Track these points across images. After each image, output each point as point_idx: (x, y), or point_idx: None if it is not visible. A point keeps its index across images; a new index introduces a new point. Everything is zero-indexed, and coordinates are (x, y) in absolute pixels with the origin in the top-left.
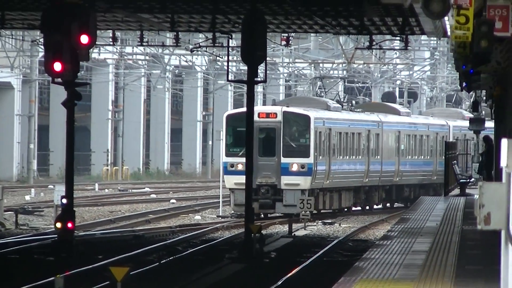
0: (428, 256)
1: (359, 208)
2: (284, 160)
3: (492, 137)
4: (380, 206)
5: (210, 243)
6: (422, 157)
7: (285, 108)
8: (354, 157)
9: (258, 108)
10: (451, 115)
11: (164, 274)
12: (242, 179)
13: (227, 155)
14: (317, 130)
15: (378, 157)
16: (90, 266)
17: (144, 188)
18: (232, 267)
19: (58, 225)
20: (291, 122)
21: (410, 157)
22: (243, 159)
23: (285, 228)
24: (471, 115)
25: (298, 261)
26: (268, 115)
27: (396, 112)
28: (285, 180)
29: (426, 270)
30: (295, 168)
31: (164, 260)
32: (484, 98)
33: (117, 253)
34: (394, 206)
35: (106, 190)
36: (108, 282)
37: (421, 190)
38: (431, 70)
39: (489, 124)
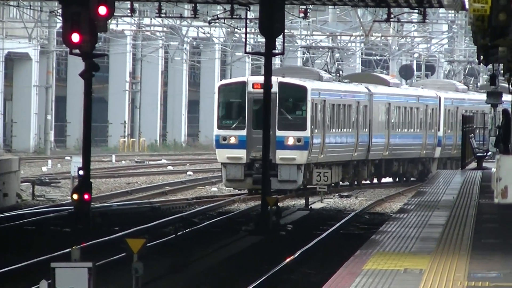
0: (444, 229)
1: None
2: (279, 133)
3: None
4: (367, 182)
5: (227, 215)
6: (412, 130)
7: (280, 79)
8: (345, 130)
9: (252, 78)
10: (443, 86)
11: (180, 246)
12: (235, 153)
13: (220, 127)
14: (313, 102)
15: (367, 130)
16: (107, 238)
17: (161, 160)
18: (248, 239)
19: (75, 196)
20: (287, 93)
21: (400, 130)
22: (236, 132)
23: (302, 201)
24: (464, 87)
25: (315, 234)
26: (262, 85)
27: (386, 83)
28: (280, 154)
29: (442, 243)
30: (291, 141)
31: (181, 232)
32: (502, 71)
33: (134, 225)
34: (411, 179)
35: (123, 162)
36: (124, 254)
37: (409, 164)
38: (449, 43)
39: (507, 97)
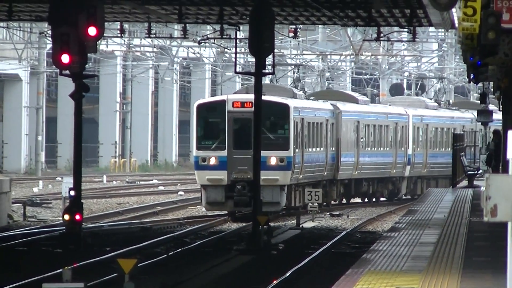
0: (435, 248)
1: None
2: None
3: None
4: (336, 202)
5: (218, 235)
6: (382, 148)
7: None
8: (318, 149)
9: (232, 96)
10: (413, 103)
11: (172, 266)
12: (215, 174)
13: (199, 148)
14: (295, 120)
15: (334, 149)
16: (98, 258)
17: (152, 180)
18: (240, 258)
19: (66, 217)
20: (268, 111)
21: (369, 148)
22: (216, 153)
23: (293, 220)
24: (435, 104)
25: (306, 253)
26: (243, 104)
27: (354, 100)
28: (263, 175)
29: (433, 262)
30: (273, 162)
31: (172, 252)
32: (492, 89)
33: (125, 245)
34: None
35: (114, 182)
36: (116, 274)
37: (379, 184)
38: (439, 62)
39: (497, 116)
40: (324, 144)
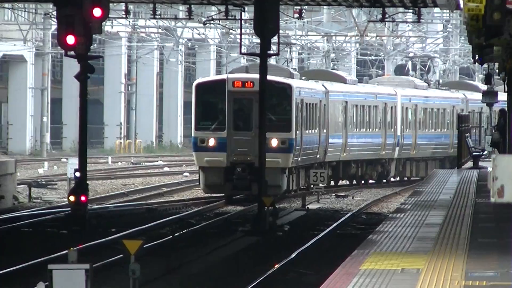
0: (441, 229)
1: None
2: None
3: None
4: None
5: (223, 216)
6: (371, 130)
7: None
8: (313, 130)
9: (232, 75)
10: (401, 83)
11: (177, 247)
12: (214, 156)
13: (197, 129)
14: (296, 101)
15: (325, 130)
16: (103, 239)
17: (157, 161)
18: (245, 240)
19: (71, 198)
20: (270, 92)
21: (358, 130)
22: (216, 134)
23: (298, 201)
24: (424, 84)
25: (311, 234)
26: (244, 83)
27: (342, 80)
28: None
29: (439, 243)
30: (274, 143)
31: (177, 233)
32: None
33: (130, 226)
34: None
35: (119, 163)
36: (121, 255)
37: (368, 166)
38: (444, 43)
39: (502, 97)
40: (318, 126)
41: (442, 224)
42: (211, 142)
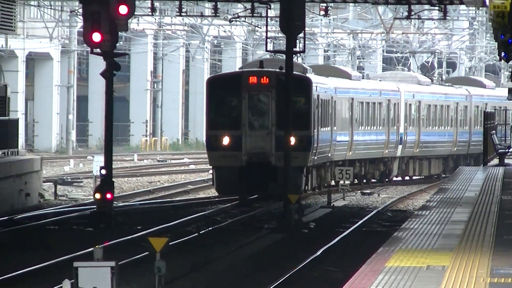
0: (467, 226)
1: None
2: (278, 132)
3: None
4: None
5: (249, 213)
6: (375, 127)
7: (279, 71)
8: (326, 128)
9: (247, 71)
10: (404, 79)
11: (203, 245)
12: (229, 155)
13: (211, 127)
14: (314, 97)
15: (335, 127)
16: (129, 237)
17: (183, 158)
18: (271, 237)
19: (97, 195)
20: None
21: (363, 127)
22: (230, 132)
23: (324, 198)
24: (428, 79)
25: (337, 231)
26: (259, 79)
27: (347, 76)
28: (280, 156)
29: (465, 240)
30: (292, 141)
31: (203, 231)
32: None
33: (156, 223)
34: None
35: (145, 161)
36: (147, 253)
37: (370, 165)
38: (470, 40)
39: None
40: (330, 123)
41: (467, 221)
42: (226, 140)
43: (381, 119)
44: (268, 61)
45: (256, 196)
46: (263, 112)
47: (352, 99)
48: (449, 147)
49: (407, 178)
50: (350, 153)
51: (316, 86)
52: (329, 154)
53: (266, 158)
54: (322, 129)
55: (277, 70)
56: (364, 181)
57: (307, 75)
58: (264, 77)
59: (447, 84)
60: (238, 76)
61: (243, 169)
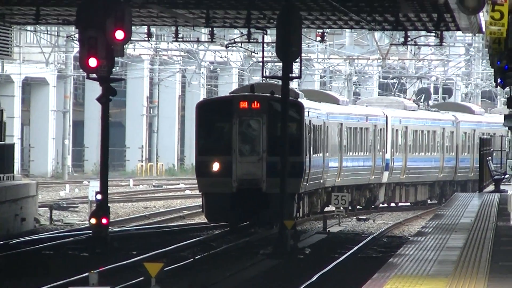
0: (462, 252)
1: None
2: (269, 158)
3: None
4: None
5: (245, 239)
6: (362, 153)
7: (270, 96)
8: (318, 154)
9: (238, 95)
10: (391, 104)
11: (198, 270)
12: (219, 181)
13: (201, 153)
14: (306, 122)
15: (327, 153)
16: (125, 262)
17: (178, 184)
18: (266, 263)
19: (93, 220)
20: (279, 113)
21: (351, 153)
22: (220, 158)
23: (320, 224)
24: (414, 105)
25: (333, 257)
26: (250, 104)
27: (335, 101)
28: (272, 182)
29: (460, 266)
30: None
31: (199, 256)
32: None
33: (152, 249)
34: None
35: (141, 186)
36: (142, 278)
37: (356, 191)
38: (466, 66)
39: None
40: (322, 149)
41: (463, 247)
42: (216, 166)
43: (368, 145)
44: (260, 85)
45: (247, 223)
46: (254, 137)
47: (341, 124)
48: (436, 173)
49: (392, 205)
50: (339, 179)
51: (308, 111)
52: (321, 181)
53: (257, 184)
54: (314, 155)
55: (269, 95)
56: (350, 208)
57: (299, 99)
58: (255, 102)
59: (434, 109)
60: (228, 101)
61: (233, 196)
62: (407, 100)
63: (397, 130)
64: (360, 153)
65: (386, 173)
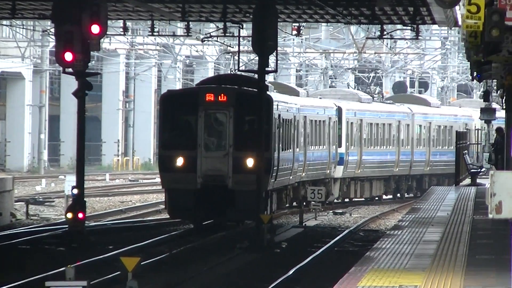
0: (439, 246)
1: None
2: (236, 154)
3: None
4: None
5: (221, 233)
6: (320, 147)
7: (238, 89)
8: (288, 149)
9: (204, 87)
10: (345, 96)
11: (175, 264)
12: (183, 177)
13: (164, 147)
14: (274, 116)
15: (297, 149)
16: (101, 256)
17: (154, 178)
18: (243, 257)
19: (69, 215)
20: (247, 106)
21: (312, 147)
22: (184, 153)
23: (296, 218)
24: (369, 97)
25: (309, 251)
26: (217, 96)
27: (296, 93)
28: (238, 178)
29: (437, 260)
30: (250, 163)
31: (175, 250)
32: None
33: (128, 243)
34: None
35: (117, 181)
36: (119, 272)
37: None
38: (442, 60)
39: (500, 114)
40: (292, 144)
41: (440, 241)
42: (180, 161)
43: (325, 138)
44: (227, 77)
45: (211, 221)
46: (220, 131)
47: (305, 117)
48: (392, 168)
49: (346, 200)
50: (304, 174)
51: (277, 105)
52: (291, 177)
53: (222, 181)
54: (283, 150)
55: (236, 87)
56: (304, 204)
57: (268, 92)
58: (222, 95)
59: (389, 101)
60: (194, 93)
61: (198, 193)
62: (362, 92)
63: (352, 123)
64: (319, 146)
65: (340, 168)
